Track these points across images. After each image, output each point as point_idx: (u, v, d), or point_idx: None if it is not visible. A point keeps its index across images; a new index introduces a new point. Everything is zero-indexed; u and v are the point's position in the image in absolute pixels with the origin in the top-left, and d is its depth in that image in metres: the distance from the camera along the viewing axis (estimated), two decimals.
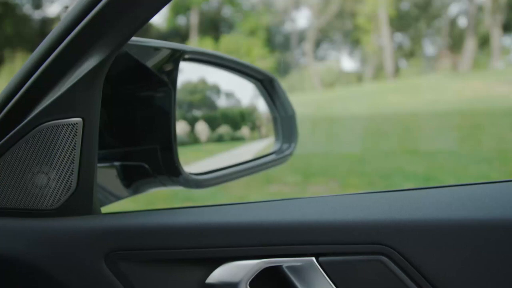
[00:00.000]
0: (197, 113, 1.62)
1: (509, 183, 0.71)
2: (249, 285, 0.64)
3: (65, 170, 0.66)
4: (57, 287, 0.66)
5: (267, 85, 1.09)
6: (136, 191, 0.93)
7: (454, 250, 0.62)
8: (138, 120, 0.87)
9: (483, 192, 0.68)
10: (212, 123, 1.38)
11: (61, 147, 0.66)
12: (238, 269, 0.63)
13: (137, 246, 0.65)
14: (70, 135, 0.65)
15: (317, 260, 0.64)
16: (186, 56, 0.91)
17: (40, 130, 0.65)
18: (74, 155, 0.66)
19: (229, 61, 1.00)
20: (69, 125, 0.66)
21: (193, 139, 1.25)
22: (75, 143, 0.66)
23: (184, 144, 1.14)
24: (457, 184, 0.73)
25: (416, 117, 8.95)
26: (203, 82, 1.71)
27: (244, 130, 1.42)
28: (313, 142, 6.82)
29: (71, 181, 0.67)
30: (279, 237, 0.64)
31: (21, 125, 0.66)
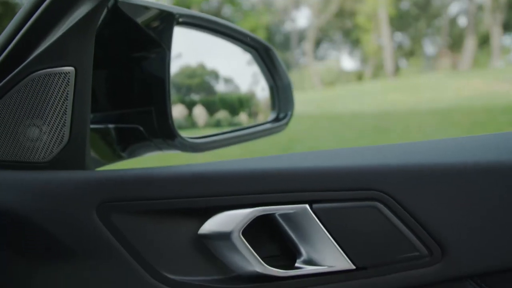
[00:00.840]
0: (195, 97, 1.62)
1: (504, 133, 0.71)
2: (242, 234, 0.63)
3: (57, 122, 0.66)
4: (47, 238, 0.65)
5: (263, 54, 1.08)
6: (131, 155, 0.93)
7: (449, 194, 0.62)
8: (132, 82, 0.87)
9: (478, 141, 0.68)
10: (210, 108, 1.38)
11: (53, 97, 0.65)
12: (231, 218, 0.63)
13: (129, 196, 0.64)
14: (62, 84, 0.65)
15: (310, 207, 0.63)
16: (181, 19, 0.90)
17: (32, 79, 0.65)
18: (66, 105, 0.65)
19: (225, 27, 1.00)
20: (61, 74, 0.65)
21: (191, 123, 1.25)
22: (67, 93, 0.65)
23: (181, 127, 1.14)
24: (452, 138, 0.73)
25: (416, 114, 8.96)
26: (201, 66, 1.71)
27: (242, 116, 1.42)
28: (312, 139, 6.82)
29: (63, 133, 0.66)
30: (272, 185, 0.64)
31: (13, 73, 0.66)
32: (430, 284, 0.62)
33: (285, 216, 0.64)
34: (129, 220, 0.64)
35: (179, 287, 0.64)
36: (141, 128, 0.88)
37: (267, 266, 0.63)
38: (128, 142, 0.91)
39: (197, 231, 0.65)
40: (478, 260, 0.61)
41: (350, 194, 0.62)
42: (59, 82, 0.65)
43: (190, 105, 1.40)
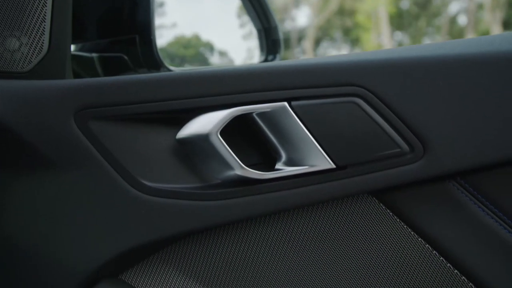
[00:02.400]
0: (188, 67, 1.60)
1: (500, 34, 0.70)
2: (220, 135, 0.63)
3: (35, 30, 0.65)
4: (24, 146, 0.65)
5: None
6: None
7: (431, 88, 0.61)
8: (116, 9, 0.86)
9: (465, 42, 0.67)
10: None
11: (31, 3, 0.64)
12: (208, 120, 0.62)
13: (106, 102, 0.64)
14: None
15: (289, 105, 0.63)
16: None
17: None
18: (45, 12, 0.65)
19: None
20: None
21: None
22: None
23: None
24: (449, 40, 0.73)
25: None
26: (197, 37, 1.69)
27: None
28: None
29: (43, 42, 0.66)
30: (249, 84, 0.63)
31: None
32: (412, 182, 0.61)
33: (263, 115, 0.63)
34: (107, 127, 0.64)
35: (157, 194, 0.64)
36: (126, 57, 0.88)
37: (247, 168, 0.62)
38: (113, 72, 0.91)
39: (175, 136, 0.64)
40: (461, 156, 0.60)
41: (330, 90, 0.62)
42: None
43: None
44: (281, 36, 1.06)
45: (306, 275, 0.65)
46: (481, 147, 0.59)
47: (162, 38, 1.33)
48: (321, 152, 0.60)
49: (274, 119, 0.61)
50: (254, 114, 0.62)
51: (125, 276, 0.70)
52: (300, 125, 0.60)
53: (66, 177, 0.63)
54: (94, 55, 0.88)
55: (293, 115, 0.60)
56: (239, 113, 0.61)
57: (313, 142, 0.60)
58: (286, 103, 0.61)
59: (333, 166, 0.61)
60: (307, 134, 0.60)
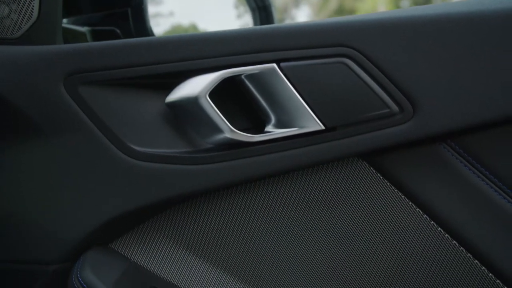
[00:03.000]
0: None
1: None
2: (210, 98, 0.62)
3: None
4: (13, 112, 0.65)
5: None
6: None
7: (421, 48, 0.61)
8: None
9: (455, 3, 0.66)
10: None
11: None
12: (197, 83, 0.62)
13: (96, 66, 0.64)
14: None
15: (278, 66, 0.62)
16: None
17: None
18: None
19: None
20: None
21: None
22: None
23: None
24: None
25: None
26: (193, 27, 1.69)
27: None
28: None
29: (32, 8, 0.65)
30: (237, 46, 0.63)
31: None
32: (402, 143, 0.61)
33: (252, 77, 0.63)
34: (96, 92, 0.64)
35: (147, 159, 0.63)
36: (118, 31, 0.88)
37: (237, 131, 0.62)
38: None
39: (165, 100, 0.64)
40: (452, 117, 0.60)
41: (319, 51, 0.61)
42: None
43: None
44: (274, 12, 1.06)
45: (296, 239, 0.65)
46: (472, 108, 0.58)
47: (159, 27, 1.32)
48: (310, 113, 0.60)
49: (263, 81, 0.61)
50: (243, 76, 0.61)
51: (115, 245, 0.69)
52: (289, 87, 0.60)
53: (55, 143, 0.62)
54: (86, 28, 0.88)
55: (282, 77, 0.60)
56: (228, 75, 0.61)
57: (302, 103, 0.60)
58: (275, 65, 0.60)
59: (323, 127, 0.60)
60: (296, 95, 0.60)
